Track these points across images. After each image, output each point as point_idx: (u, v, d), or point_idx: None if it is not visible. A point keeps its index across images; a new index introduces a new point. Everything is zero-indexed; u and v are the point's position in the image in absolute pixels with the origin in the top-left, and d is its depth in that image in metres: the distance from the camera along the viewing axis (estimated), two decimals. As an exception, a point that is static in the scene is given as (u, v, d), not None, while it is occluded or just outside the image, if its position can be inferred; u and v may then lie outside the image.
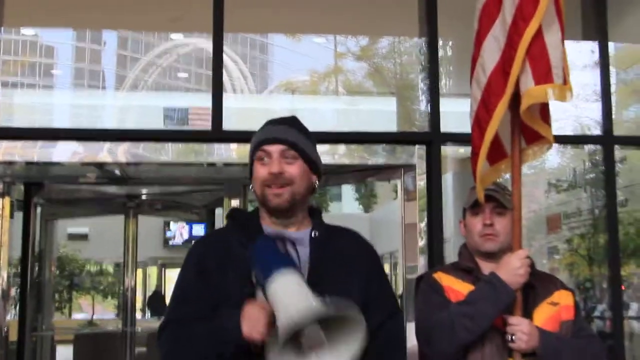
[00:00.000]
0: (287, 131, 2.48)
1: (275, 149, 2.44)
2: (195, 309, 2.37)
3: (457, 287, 2.93)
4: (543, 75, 2.83)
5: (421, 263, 5.28)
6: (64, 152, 5.42)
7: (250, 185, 2.53)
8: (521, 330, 2.76)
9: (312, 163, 2.49)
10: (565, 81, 2.88)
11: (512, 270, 2.81)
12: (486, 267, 2.97)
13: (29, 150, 5.35)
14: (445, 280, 2.97)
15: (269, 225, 2.48)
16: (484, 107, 2.97)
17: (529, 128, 2.97)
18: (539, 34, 2.85)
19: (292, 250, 2.43)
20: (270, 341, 2.12)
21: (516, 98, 2.90)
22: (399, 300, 2.65)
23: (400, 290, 5.53)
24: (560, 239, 7.67)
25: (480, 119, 2.99)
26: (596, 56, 5.79)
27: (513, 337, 2.76)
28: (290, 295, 2.12)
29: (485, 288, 2.81)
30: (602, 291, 6.38)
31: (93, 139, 5.36)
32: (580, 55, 6.21)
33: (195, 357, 2.33)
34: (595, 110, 5.82)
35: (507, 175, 3.06)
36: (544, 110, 2.97)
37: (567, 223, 7.35)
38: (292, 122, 2.55)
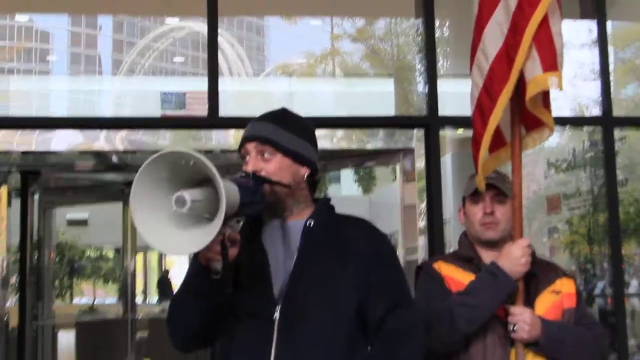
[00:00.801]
0: (263, 126, 2.42)
1: (251, 147, 2.39)
2: None
3: (457, 277, 2.90)
4: (550, 62, 2.79)
5: (421, 244, 5.28)
6: (61, 141, 5.40)
7: None
8: (523, 320, 2.74)
9: (296, 155, 2.41)
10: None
11: (513, 259, 2.78)
12: (487, 255, 2.94)
13: (26, 139, 5.34)
14: (445, 269, 2.95)
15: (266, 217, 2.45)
16: (487, 94, 2.93)
17: (529, 115, 2.93)
18: (545, 21, 2.81)
19: (292, 238, 2.39)
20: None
21: (517, 85, 2.86)
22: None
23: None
24: (560, 219, 7.67)
25: (483, 106, 2.95)
26: (594, 35, 5.75)
27: (515, 327, 2.75)
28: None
29: (486, 278, 2.78)
30: (603, 270, 6.39)
31: (89, 127, 5.34)
32: (578, 34, 6.19)
33: (183, 314, 2.34)
34: (593, 90, 5.80)
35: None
36: (545, 97, 2.93)
37: (566, 203, 7.33)
38: (271, 116, 2.47)
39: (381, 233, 2.53)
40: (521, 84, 2.87)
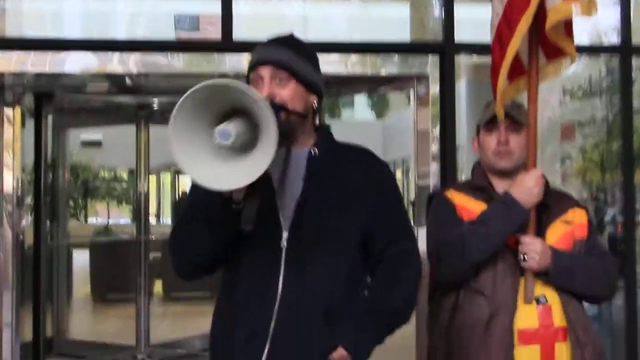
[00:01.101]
0: (279, 51, 2.37)
1: (265, 71, 2.33)
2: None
3: (469, 206, 2.91)
4: None
5: (433, 169, 5.29)
6: (74, 63, 5.37)
7: None
8: (534, 250, 2.75)
9: (309, 83, 2.38)
10: None
11: (526, 189, 2.78)
12: (500, 185, 2.94)
13: (39, 60, 5.33)
14: (458, 198, 2.96)
15: None
16: (506, 22, 2.87)
17: (549, 43, 2.89)
18: None
19: (297, 167, 2.38)
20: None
21: (537, 13, 2.79)
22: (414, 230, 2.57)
23: (412, 196, 5.55)
24: (574, 146, 7.62)
25: (502, 34, 2.89)
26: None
27: (525, 257, 2.76)
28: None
29: (499, 207, 2.79)
30: (615, 197, 6.39)
31: (102, 49, 5.33)
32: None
33: (193, 239, 2.30)
34: (611, 16, 5.70)
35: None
36: (567, 25, 2.88)
37: (581, 131, 7.29)
38: (285, 41, 2.42)
39: (382, 162, 2.54)
40: (542, 12, 2.80)
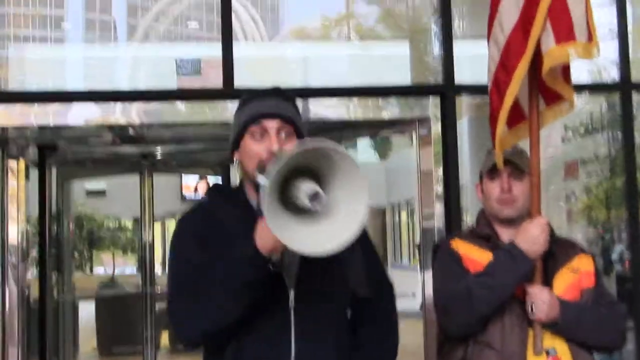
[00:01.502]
0: (282, 104, 2.36)
1: (273, 124, 2.30)
2: (201, 277, 2.20)
3: (474, 256, 2.88)
4: (564, 34, 2.71)
5: (438, 210, 5.28)
6: (77, 114, 5.42)
7: (234, 158, 2.40)
8: (541, 301, 2.71)
9: (302, 136, 2.37)
10: (591, 37, 2.76)
11: (531, 238, 2.74)
12: (505, 233, 2.92)
13: (42, 112, 5.36)
14: (463, 248, 2.92)
15: (255, 200, 2.32)
16: (503, 68, 2.86)
17: (548, 88, 2.87)
18: None
19: None
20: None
21: (536, 58, 2.79)
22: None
23: (417, 238, 5.54)
24: (578, 184, 7.62)
25: (499, 81, 2.88)
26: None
27: (533, 307, 2.72)
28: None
29: (504, 258, 2.75)
30: (621, 235, 6.36)
31: (105, 99, 5.36)
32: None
33: (214, 306, 2.17)
34: (611, 50, 5.72)
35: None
36: (565, 69, 2.88)
37: (584, 168, 7.29)
38: (282, 94, 2.42)
39: None
40: (539, 56, 2.79)
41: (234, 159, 2.41)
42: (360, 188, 1.97)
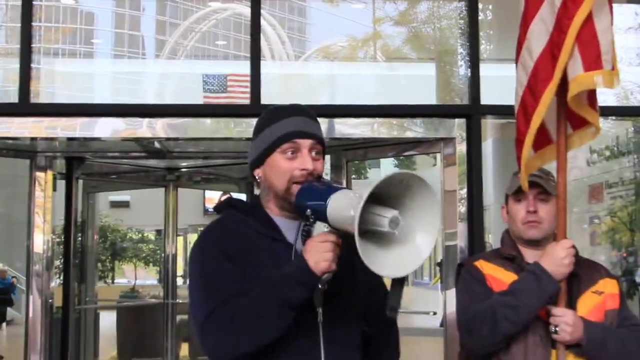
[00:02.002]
0: (314, 125, 2.39)
1: (306, 143, 2.33)
2: (233, 292, 2.18)
3: (499, 276, 2.89)
4: (592, 61, 2.73)
5: (461, 230, 5.27)
6: (104, 127, 5.45)
7: (257, 173, 2.39)
8: (565, 322, 2.72)
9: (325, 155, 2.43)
10: (614, 66, 2.78)
11: (556, 260, 2.75)
12: (529, 254, 2.93)
13: (70, 125, 5.40)
14: (487, 268, 2.94)
15: (276, 215, 2.36)
16: (530, 92, 2.89)
17: (575, 113, 2.89)
18: (589, 18, 2.75)
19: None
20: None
21: (563, 83, 2.81)
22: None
23: (439, 257, 5.53)
24: (603, 207, 7.59)
25: (527, 104, 2.90)
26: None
27: (557, 329, 2.73)
28: (350, 198, 2.05)
29: (529, 279, 2.75)
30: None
31: (131, 115, 5.38)
32: (623, 17, 6.10)
33: (258, 326, 2.15)
34: (638, 74, 5.72)
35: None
36: (591, 95, 2.89)
37: (609, 190, 7.27)
38: (310, 114, 2.42)
39: None
40: (566, 82, 2.81)
41: (255, 175, 2.41)
42: (433, 212, 2.05)
